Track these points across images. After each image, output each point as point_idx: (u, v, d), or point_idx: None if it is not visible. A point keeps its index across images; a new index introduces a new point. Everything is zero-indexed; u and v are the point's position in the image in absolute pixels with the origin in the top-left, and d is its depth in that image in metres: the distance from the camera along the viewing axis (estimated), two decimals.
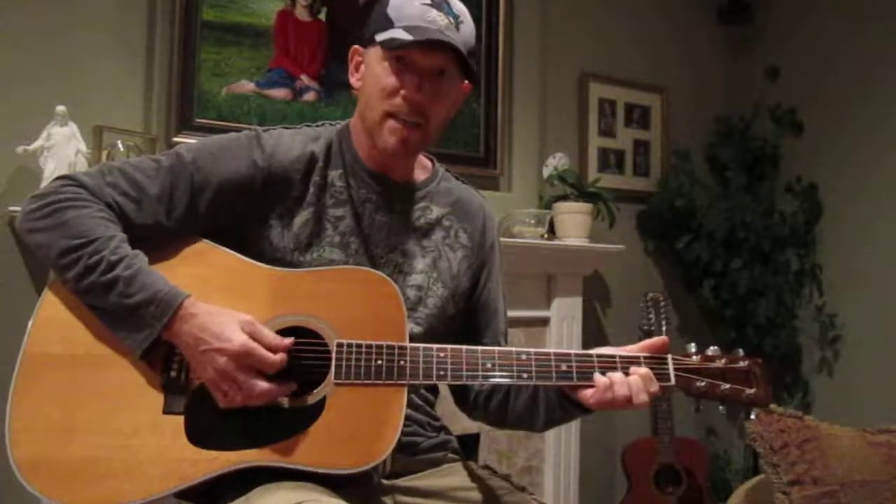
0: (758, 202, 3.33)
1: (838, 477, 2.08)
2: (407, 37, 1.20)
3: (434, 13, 1.22)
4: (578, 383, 1.19)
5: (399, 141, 1.25)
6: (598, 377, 1.17)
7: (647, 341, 1.23)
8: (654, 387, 1.18)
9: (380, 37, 1.23)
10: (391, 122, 1.24)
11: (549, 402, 1.28)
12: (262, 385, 1.12)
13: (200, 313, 1.13)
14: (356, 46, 1.32)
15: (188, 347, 1.13)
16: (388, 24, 1.23)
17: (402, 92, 1.22)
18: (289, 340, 1.14)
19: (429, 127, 1.27)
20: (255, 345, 1.11)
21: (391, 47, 1.21)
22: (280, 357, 1.12)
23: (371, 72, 1.26)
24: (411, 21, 1.22)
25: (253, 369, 1.11)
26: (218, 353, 1.10)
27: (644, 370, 1.18)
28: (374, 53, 1.26)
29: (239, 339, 1.11)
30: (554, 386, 1.24)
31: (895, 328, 3.07)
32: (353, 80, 1.33)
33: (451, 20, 1.24)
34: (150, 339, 1.12)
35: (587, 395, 1.18)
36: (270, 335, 1.14)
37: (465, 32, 1.26)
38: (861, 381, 3.17)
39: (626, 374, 1.17)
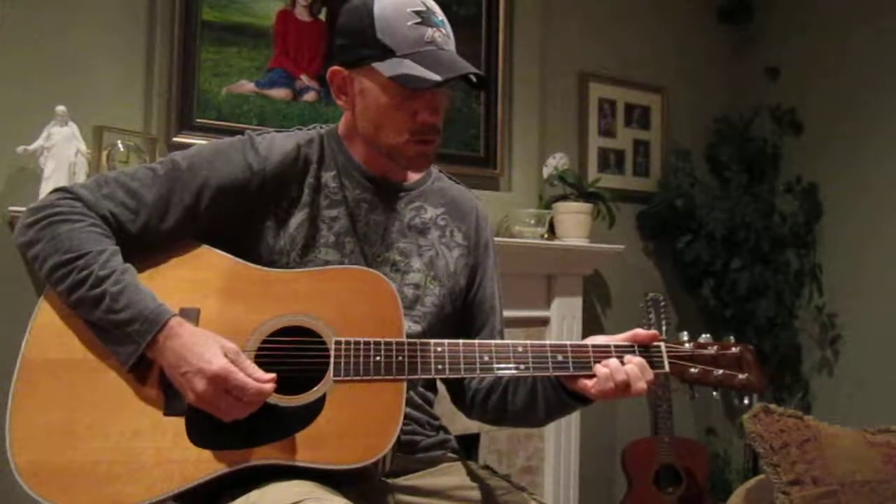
0: (758, 202, 3.33)
1: (838, 477, 2.08)
2: (433, 76, 1.18)
3: (429, 31, 1.21)
4: (576, 373, 1.20)
5: (426, 159, 1.29)
6: (598, 368, 1.19)
7: (638, 331, 1.24)
8: (650, 374, 1.20)
9: (386, 70, 1.20)
10: (414, 146, 1.26)
11: (547, 395, 1.28)
12: (241, 409, 1.10)
13: (185, 334, 1.12)
14: (337, 69, 1.28)
15: (170, 367, 1.12)
16: (386, 52, 1.21)
17: (419, 117, 1.24)
18: (270, 376, 1.11)
19: (441, 132, 1.29)
20: (234, 369, 1.09)
21: (419, 87, 1.19)
22: (257, 385, 1.09)
23: (375, 100, 1.25)
24: (413, 46, 1.20)
25: (231, 395, 1.09)
26: (197, 375, 1.09)
27: (638, 359, 1.20)
28: (374, 80, 1.24)
29: (219, 362, 1.09)
30: (553, 378, 1.25)
31: (895, 328, 3.07)
32: (341, 102, 1.31)
33: (444, 30, 1.24)
34: (135, 355, 1.12)
35: (588, 385, 1.20)
36: (252, 366, 1.12)
37: (452, 34, 1.27)
38: (861, 381, 3.17)
39: (622, 362, 1.19)
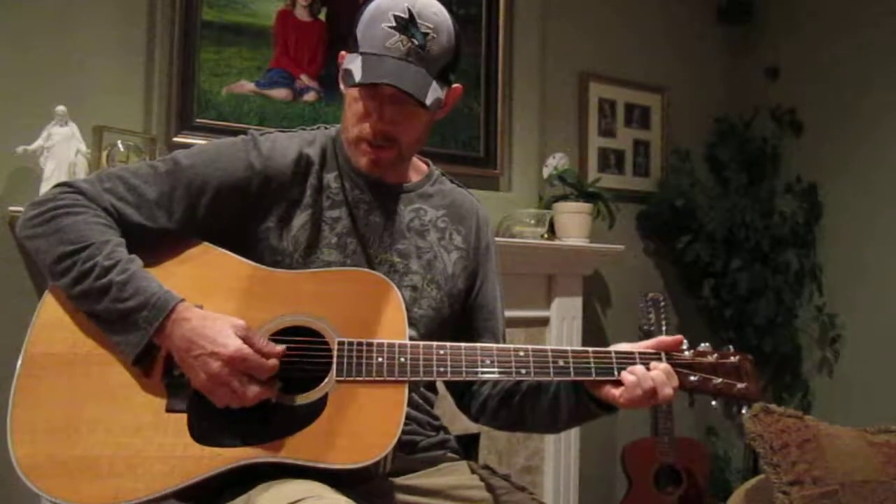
0: (758, 202, 3.34)
1: (838, 477, 2.07)
2: (358, 76, 1.18)
3: (396, 37, 1.20)
4: (599, 378, 1.20)
5: (370, 162, 1.27)
6: (625, 375, 1.19)
7: (662, 338, 1.25)
8: (675, 381, 1.20)
9: (345, 62, 1.24)
10: (362, 146, 1.26)
11: (570, 403, 1.28)
12: (256, 389, 1.11)
13: (194, 317, 1.13)
14: (344, 53, 1.31)
15: (180, 351, 1.12)
16: (355, 45, 1.23)
17: (367, 119, 1.24)
18: (280, 347, 1.14)
19: (401, 145, 1.27)
20: (249, 350, 1.11)
21: (347, 84, 1.22)
22: (273, 363, 1.12)
23: (347, 92, 1.28)
24: (372, 47, 1.20)
25: (246, 374, 1.11)
26: (212, 357, 1.10)
27: (664, 365, 1.20)
28: None
29: (234, 344, 1.10)
30: (578, 387, 1.25)
31: (895, 328, 3.07)
32: (342, 87, 1.33)
33: (415, 42, 1.20)
34: (143, 343, 1.12)
35: (616, 394, 1.19)
36: (263, 340, 1.13)
37: (434, 50, 1.22)
38: (861, 381, 3.18)
39: (647, 368, 1.19)
